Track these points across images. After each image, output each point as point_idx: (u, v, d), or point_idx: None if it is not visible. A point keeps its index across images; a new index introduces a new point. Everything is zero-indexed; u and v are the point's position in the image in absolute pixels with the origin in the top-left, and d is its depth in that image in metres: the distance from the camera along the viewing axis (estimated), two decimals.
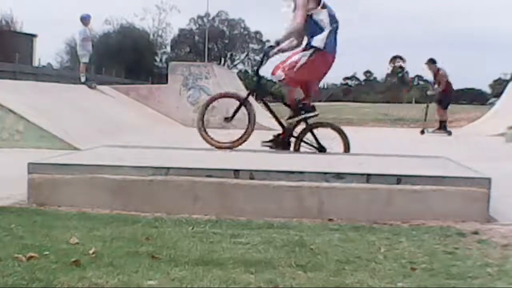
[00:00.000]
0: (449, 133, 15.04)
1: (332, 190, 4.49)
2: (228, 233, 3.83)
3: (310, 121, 6.42)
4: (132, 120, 13.87)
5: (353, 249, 3.51)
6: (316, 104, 6.73)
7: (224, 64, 61.62)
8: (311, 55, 5.86)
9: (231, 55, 69.10)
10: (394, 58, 76.39)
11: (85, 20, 14.68)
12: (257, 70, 6.68)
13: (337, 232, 3.95)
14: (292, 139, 6.42)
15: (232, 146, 6.43)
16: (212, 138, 6.58)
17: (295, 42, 6.14)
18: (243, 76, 49.32)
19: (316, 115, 6.32)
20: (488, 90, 69.27)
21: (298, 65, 5.92)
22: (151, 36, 58.60)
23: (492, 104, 25.66)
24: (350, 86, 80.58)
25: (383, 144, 12.11)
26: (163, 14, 60.16)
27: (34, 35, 38.71)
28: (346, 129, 6.87)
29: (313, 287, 2.84)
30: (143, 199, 4.58)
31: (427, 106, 15.59)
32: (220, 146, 6.46)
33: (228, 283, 2.83)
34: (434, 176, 4.58)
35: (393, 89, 71.31)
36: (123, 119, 13.35)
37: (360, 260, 3.28)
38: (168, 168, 4.65)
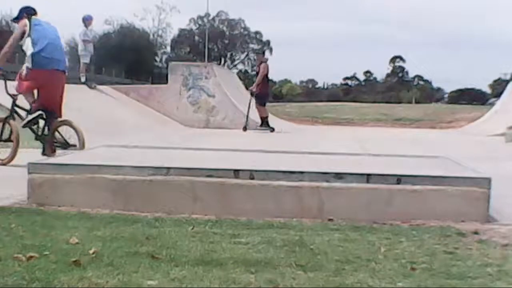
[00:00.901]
0: (272, 130, 14.79)
1: (332, 190, 4.49)
2: (228, 233, 3.83)
3: (55, 122, 7.41)
4: (132, 120, 13.87)
5: (353, 249, 3.51)
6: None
7: (224, 64, 61.64)
8: (27, 69, 7.27)
9: (231, 55, 69.14)
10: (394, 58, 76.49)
11: (87, 21, 14.67)
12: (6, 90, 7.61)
13: (337, 232, 3.95)
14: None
15: (2, 163, 7.16)
16: None
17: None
18: (243, 76, 49.33)
19: (37, 116, 7.31)
20: (488, 90, 69.24)
21: (23, 75, 7.31)
22: (151, 36, 58.63)
23: (492, 104, 25.67)
24: (350, 86, 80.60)
25: (384, 144, 12.12)
26: (163, 14, 60.28)
27: None
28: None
29: (313, 287, 2.84)
30: (143, 199, 4.58)
31: (250, 102, 15.37)
32: None
33: (228, 283, 2.83)
34: (434, 176, 4.58)
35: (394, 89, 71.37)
36: (123, 119, 13.36)
37: (360, 260, 3.28)
38: (168, 168, 4.65)
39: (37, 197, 4.69)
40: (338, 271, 3.06)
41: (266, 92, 15.18)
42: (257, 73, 15.38)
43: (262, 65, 15.34)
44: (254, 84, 15.21)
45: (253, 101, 15.01)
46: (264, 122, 15.00)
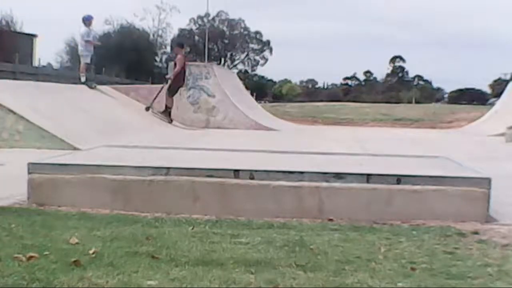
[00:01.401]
0: (170, 121, 14.94)
1: (332, 190, 4.49)
2: (228, 233, 3.83)
3: None
4: (132, 120, 13.86)
5: (353, 249, 3.51)
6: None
7: (224, 64, 61.62)
8: None
9: (231, 55, 69.12)
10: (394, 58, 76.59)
11: (87, 21, 14.67)
12: None
13: (337, 232, 3.95)
14: None
15: None
16: None
17: None
18: (243, 76, 49.32)
19: None
20: (488, 90, 69.23)
21: None
22: (151, 36, 58.58)
23: (492, 104, 25.66)
24: (350, 86, 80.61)
25: (383, 143, 12.12)
26: (163, 14, 60.13)
27: (34, 35, 38.70)
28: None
29: (313, 287, 2.84)
30: (143, 199, 4.58)
31: (162, 87, 15.51)
32: None
33: (228, 283, 2.83)
34: (434, 176, 4.58)
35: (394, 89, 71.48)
36: (123, 119, 13.35)
37: (360, 260, 3.28)
38: (168, 168, 4.66)
39: (37, 197, 4.69)
40: (338, 271, 3.06)
41: (178, 84, 15.35)
42: (175, 63, 15.62)
43: (179, 56, 15.57)
44: (171, 73, 15.45)
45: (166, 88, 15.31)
46: (167, 111, 15.17)
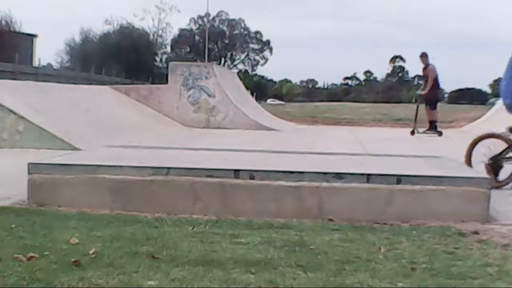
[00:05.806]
0: (440, 134, 14.63)
1: (332, 190, 4.49)
2: (228, 233, 3.83)
3: None
4: (132, 120, 13.87)
5: (353, 249, 3.51)
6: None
7: (224, 64, 61.65)
8: None
9: (231, 55, 69.15)
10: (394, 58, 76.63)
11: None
12: None
13: (337, 232, 3.95)
14: None
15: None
16: None
17: None
18: (243, 76, 49.32)
19: None
20: (488, 90, 69.25)
21: None
22: (151, 36, 58.58)
23: (492, 104, 25.65)
24: (350, 86, 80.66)
25: (383, 144, 12.12)
26: (163, 14, 60.22)
27: (34, 35, 38.72)
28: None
29: (313, 287, 2.84)
30: (143, 199, 4.58)
31: (418, 106, 15.16)
32: None
33: (228, 283, 2.83)
34: (434, 176, 4.58)
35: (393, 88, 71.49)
36: (123, 119, 13.36)
37: (360, 260, 3.28)
38: (168, 168, 4.66)
39: (37, 197, 4.68)
40: (338, 271, 3.06)
41: (437, 94, 15.17)
42: (426, 78, 15.30)
43: (430, 67, 15.09)
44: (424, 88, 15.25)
45: None
46: (433, 126, 14.91)
